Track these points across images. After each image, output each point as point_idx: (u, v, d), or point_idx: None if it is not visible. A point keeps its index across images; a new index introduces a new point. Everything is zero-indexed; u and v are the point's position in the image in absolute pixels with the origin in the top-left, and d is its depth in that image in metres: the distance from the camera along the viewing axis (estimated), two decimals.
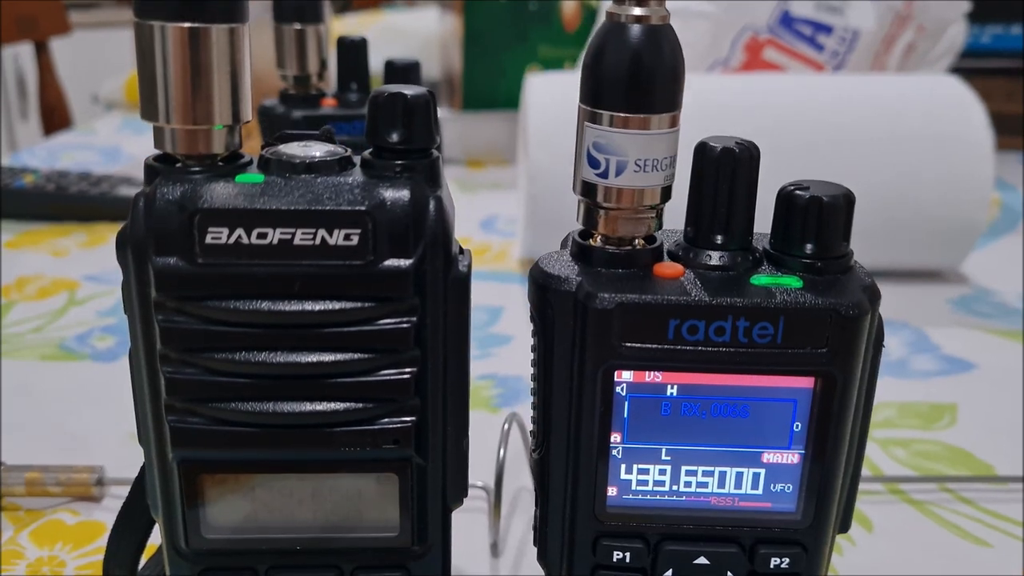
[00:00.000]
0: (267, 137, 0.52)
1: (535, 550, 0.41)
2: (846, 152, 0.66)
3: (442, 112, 1.02)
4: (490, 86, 0.99)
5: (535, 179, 0.65)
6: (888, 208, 0.66)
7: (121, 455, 0.46)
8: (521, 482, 0.45)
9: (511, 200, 0.86)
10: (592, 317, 0.27)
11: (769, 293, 0.27)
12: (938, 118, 0.66)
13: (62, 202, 0.78)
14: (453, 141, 0.98)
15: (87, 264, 0.71)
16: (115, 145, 1.04)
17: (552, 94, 0.68)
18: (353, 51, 0.52)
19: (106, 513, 0.42)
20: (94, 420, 0.49)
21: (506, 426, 0.42)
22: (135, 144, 1.04)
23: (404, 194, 0.26)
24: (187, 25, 0.25)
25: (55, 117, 1.41)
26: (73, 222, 0.79)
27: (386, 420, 0.27)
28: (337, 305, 0.26)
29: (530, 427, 0.43)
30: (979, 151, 0.65)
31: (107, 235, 0.77)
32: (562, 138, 0.65)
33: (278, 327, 0.26)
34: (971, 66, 0.96)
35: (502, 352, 0.59)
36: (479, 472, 0.39)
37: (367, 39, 0.53)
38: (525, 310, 0.66)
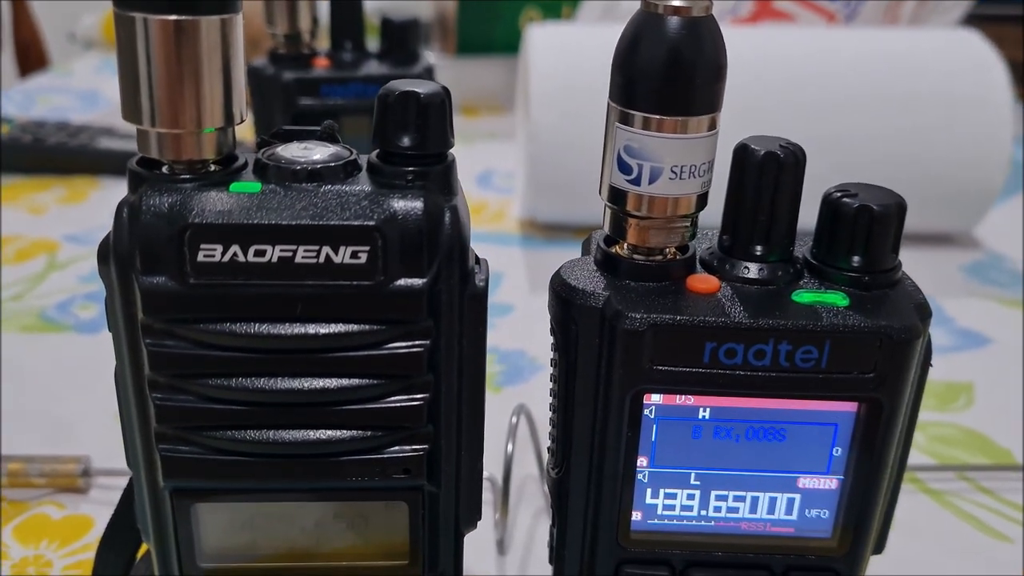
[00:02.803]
0: (254, 97, 0.49)
1: (541, 545, 0.40)
2: (860, 110, 0.63)
3: (434, 57, 0.98)
4: (486, 29, 0.95)
5: (536, 139, 0.62)
6: (902, 170, 0.63)
7: (107, 439, 0.44)
8: (526, 469, 0.43)
9: (509, 152, 0.83)
10: (621, 338, 0.24)
11: (814, 313, 0.24)
12: (957, 77, 0.64)
13: (39, 154, 0.75)
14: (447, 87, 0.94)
15: (67, 222, 0.68)
16: (93, 89, 0.99)
17: (554, 49, 0.64)
18: (347, 7, 0.49)
19: (93, 505, 0.40)
20: (78, 400, 0.47)
21: (514, 419, 0.40)
22: (114, 87, 0.99)
23: (417, 206, 0.23)
24: (173, 18, 0.22)
25: (30, 55, 1.36)
26: (51, 175, 0.75)
27: (396, 449, 0.25)
28: (343, 328, 0.23)
29: (544, 434, 0.41)
30: (999, 112, 0.63)
31: (87, 190, 0.74)
32: (565, 96, 0.62)
33: (278, 352, 0.23)
34: (983, 12, 0.93)
35: (503, 323, 0.57)
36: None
37: None
38: (525, 276, 0.64)
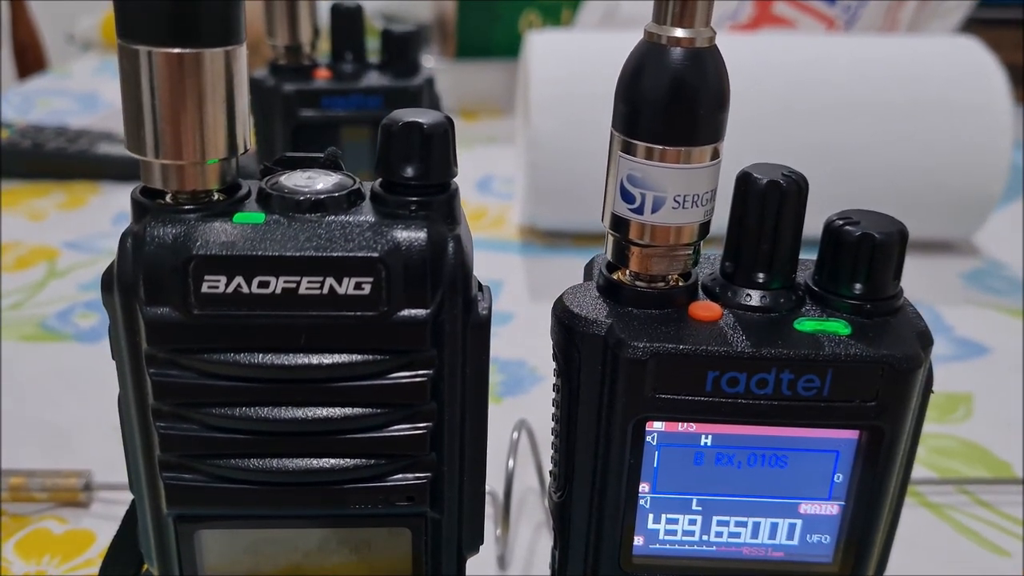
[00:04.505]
0: (255, 109, 0.49)
1: (543, 560, 0.40)
2: (859, 117, 0.63)
3: (434, 61, 0.98)
4: (485, 32, 0.95)
5: (536, 146, 0.62)
6: (901, 176, 0.63)
7: (108, 450, 0.44)
8: (526, 483, 0.43)
9: (508, 156, 0.83)
10: (624, 367, 0.24)
11: (816, 342, 0.25)
12: (957, 84, 0.64)
13: (38, 159, 0.75)
14: (446, 91, 0.94)
15: (66, 229, 0.68)
16: (92, 91, 0.99)
17: (555, 56, 0.64)
18: (348, 19, 0.49)
19: (95, 520, 0.40)
20: (79, 411, 0.47)
21: (515, 435, 0.40)
22: (113, 89, 0.99)
23: (420, 237, 0.23)
24: (177, 51, 0.22)
25: (28, 57, 1.36)
26: (50, 180, 0.75)
27: (399, 477, 0.25)
28: (347, 358, 0.23)
29: (544, 447, 0.41)
30: (998, 119, 0.63)
31: (86, 196, 0.73)
32: (565, 103, 0.63)
33: (282, 381, 0.24)
34: (982, 16, 0.93)
35: (503, 332, 0.57)
36: None
37: (362, 6, 0.50)
38: (525, 284, 0.64)
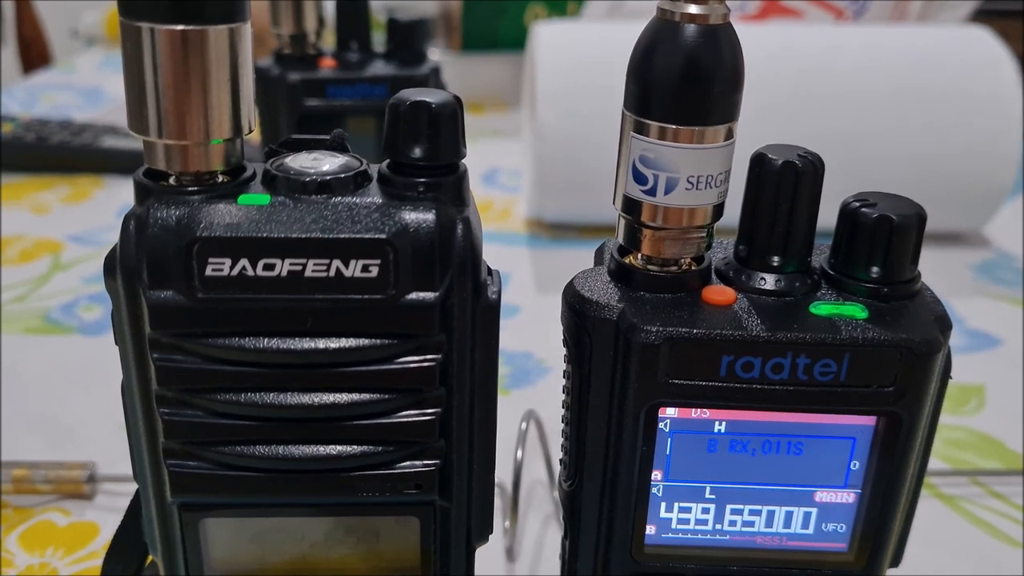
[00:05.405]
0: (259, 98, 0.49)
1: (551, 552, 0.40)
2: (869, 108, 0.63)
3: (439, 54, 0.97)
4: (491, 25, 0.95)
5: (543, 139, 0.62)
6: (911, 167, 0.63)
7: (112, 443, 0.44)
8: (535, 474, 0.43)
9: (514, 149, 0.83)
10: (636, 352, 0.24)
11: (832, 326, 0.24)
12: (967, 74, 0.63)
13: (42, 153, 0.74)
14: (452, 85, 0.93)
15: (71, 222, 0.68)
16: (96, 85, 0.99)
17: (561, 47, 0.64)
18: (353, 7, 0.49)
19: (99, 512, 0.40)
20: (83, 404, 0.47)
21: (523, 425, 0.39)
22: (117, 83, 0.99)
23: (428, 218, 0.23)
24: (180, 28, 0.21)
25: (33, 52, 1.35)
26: (54, 173, 0.75)
27: (407, 464, 0.24)
28: (354, 343, 0.23)
29: (552, 438, 0.41)
30: (1009, 109, 0.62)
31: (90, 189, 0.73)
32: (572, 95, 0.62)
33: (288, 367, 0.23)
34: (987, 8, 0.92)
35: (510, 325, 0.56)
36: None
37: None
38: (532, 276, 0.63)
